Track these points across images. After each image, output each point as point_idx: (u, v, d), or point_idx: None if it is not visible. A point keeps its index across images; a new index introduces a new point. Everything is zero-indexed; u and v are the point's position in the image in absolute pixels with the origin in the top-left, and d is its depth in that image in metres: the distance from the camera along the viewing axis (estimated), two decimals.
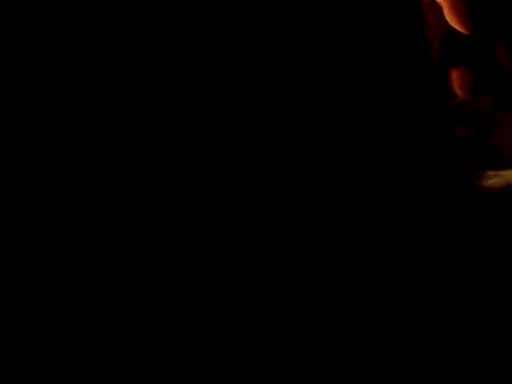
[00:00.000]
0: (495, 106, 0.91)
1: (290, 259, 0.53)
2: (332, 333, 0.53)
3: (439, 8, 0.95)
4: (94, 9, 0.53)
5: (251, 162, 0.52)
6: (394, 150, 0.54)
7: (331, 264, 0.53)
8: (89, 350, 0.53)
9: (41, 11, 0.53)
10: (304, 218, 0.53)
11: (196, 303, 0.54)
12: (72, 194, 0.53)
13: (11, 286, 0.53)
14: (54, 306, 0.54)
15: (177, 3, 0.53)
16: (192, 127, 0.53)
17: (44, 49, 0.53)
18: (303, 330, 0.53)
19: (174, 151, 0.53)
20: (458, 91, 0.93)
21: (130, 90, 0.53)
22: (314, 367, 0.53)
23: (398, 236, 0.54)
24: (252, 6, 0.53)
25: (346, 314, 0.53)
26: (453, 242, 0.56)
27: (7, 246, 0.53)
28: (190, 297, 0.54)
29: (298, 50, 0.53)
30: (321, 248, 0.53)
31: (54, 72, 0.53)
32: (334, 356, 0.53)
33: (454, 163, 0.59)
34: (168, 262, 0.53)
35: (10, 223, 0.53)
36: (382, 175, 0.54)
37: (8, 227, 0.53)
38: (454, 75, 0.95)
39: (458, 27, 0.91)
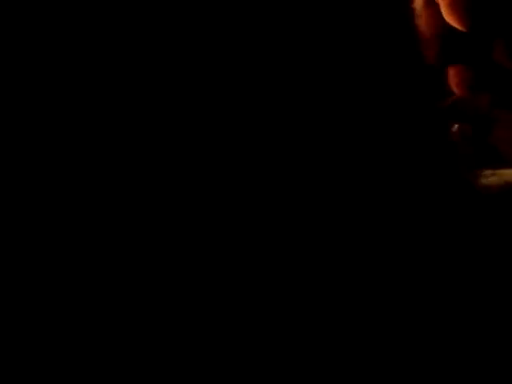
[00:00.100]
0: (493, 103, 0.91)
1: (290, 258, 0.53)
2: (332, 332, 0.53)
3: (436, 5, 0.95)
4: (93, 9, 0.53)
5: (251, 161, 0.52)
6: (390, 148, 0.54)
7: (329, 262, 0.53)
8: (89, 350, 0.53)
9: (41, 11, 0.53)
10: (302, 218, 0.53)
11: (196, 303, 0.54)
12: (72, 193, 0.54)
13: (11, 285, 0.54)
14: (54, 305, 0.54)
15: (177, 3, 0.53)
16: (192, 127, 0.53)
17: (44, 49, 0.53)
18: (303, 329, 0.53)
19: (173, 151, 0.53)
20: (456, 89, 0.93)
21: (130, 90, 0.53)
22: (314, 367, 0.54)
23: (396, 233, 0.54)
24: (248, 9, 0.53)
25: (346, 312, 0.53)
26: (451, 239, 0.57)
27: (7, 246, 0.53)
28: (189, 296, 0.54)
29: (290, 52, 0.53)
30: (318, 246, 0.53)
31: (54, 72, 0.53)
32: (334, 356, 0.54)
33: (450, 162, 0.59)
34: (168, 261, 0.53)
35: (10, 223, 0.53)
36: (380, 174, 0.54)
37: (8, 227, 0.53)
38: (452, 73, 0.95)
39: (455, 25, 0.91)
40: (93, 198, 0.52)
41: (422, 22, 0.95)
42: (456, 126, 0.93)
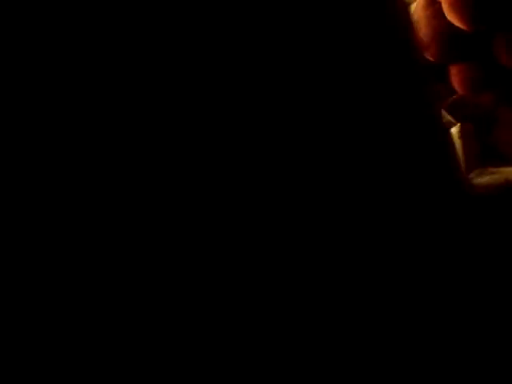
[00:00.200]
0: (495, 102, 0.91)
1: (285, 261, 0.53)
2: (331, 333, 0.53)
3: (439, 4, 0.95)
4: (94, 9, 0.53)
5: (248, 163, 0.52)
6: (386, 150, 0.54)
7: (323, 262, 0.53)
8: (89, 350, 0.53)
9: (41, 11, 0.53)
10: (298, 220, 0.53)
11: (196, 303, 0.54)
12: (72, 193, 0.54)
13: (11, 286, 0.54)
14: (54, 305, 0.54)
15: (177, 3, 0.53)
16: (192, 127, 0.54)
17: (44, 49, 0.53)
18: (303, 329, 0.53)
19: (173, 151, 0.53)
20: (458, 87, 0.93)
21: (130, 90, 0.53)
22: (314, 367, 0.54)
23: (394, 234, 0.54)
24: (248, 9, 0.53)
25: (341, 315, 0.53)
26: (451, 239, 0.56)
27: (7, 246, 0.53)
28: (190, 297, 0.54)
29: (285, 54, 0.53)
30: (315, 249, 0.53)
31: (54, 72, 0.53)
32: (334, 356, 0.54)
33: (448, 161, 0.59)
34: (168, 261, 0.53)
35: (9, 223, 0.54)
36: (377, 175, 0.54)
37: (8, 227, 0.53)
38: (454, 71, 0.95)
39: (457, 23, 0.91)
40: (93, 198, 0.52)
41: (424, 21, 0.95)
42: (458, 124, 0.93)
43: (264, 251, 0.54)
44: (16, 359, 0.54)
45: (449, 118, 0.92)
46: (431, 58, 0.94)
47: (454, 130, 0.91)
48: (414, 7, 0.95)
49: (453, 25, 0.94)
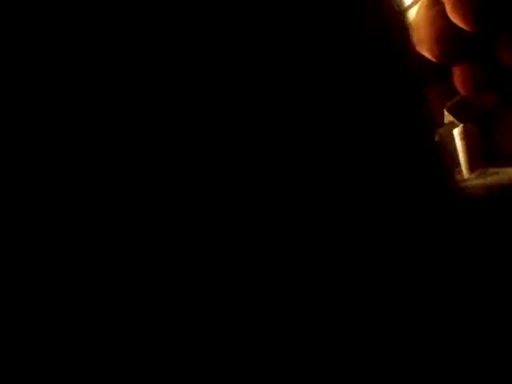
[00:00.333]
0: (497, 103, 0.91)
1: (280, 263, 0.53)
2: (329, 333, 0.53)
3: (442, 5, 0.95)
4: (94, 9, 0.53)
5: (244, 164, 0.53)
6: (376, 152, 0.54)
7: (319, 265, 0.53)
8: (89, 350, 0.54)
9: (41, 11, 0.53)
10: (292, 221, 0.53)
11: (196, 303, 0.54)
12: (72, 194, 0.54)
13: (11, 286, 0.54)
14: (54, 305, 0.54)
15: (177, 3, 0.54)
16: (192, 127, 0.54)
17: (44, 49, 0.53)
18: (303, 330, 0.54)
19: (174, 151, 0.54)
20: (460, 88, 0.93)
21: (130, 90, 0.53)
22: (314, 367, 0.54)
23: (393, 234, 0.54)
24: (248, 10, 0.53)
25: (337, 316, 0.53)
26: (446, 241, 0.57)
27: (7, 246, 0.53)
28: (190, 297, 0.54)
29: (281, 55, 0.53)
30: (308, 251, 0.53)
31: (54, 72, 0.54)
32: (334, 356, 0.54)
33: (439, 164, 0.59)
34: (168, 262, 0.54)
35: (9, 223, 0.54)
36: (369, 178, 0.54)
37: (8, 227, 0.54)
38: (456, 72, 0.95)
39: (460, 24, 0.91)
40: (93, 198, 0.52)
41: (427, 21, 0.95)
42: (461, 125, 0.93)
43: (263, 251, 0.54)
44: (16, 359, 0.54)
45: (451, 118, 0.92)
46: (434, 59, 0.94)
47: (457, 131, 0.91)
48: (417, 8, 0.95)
49: (456, 26, 0.94)
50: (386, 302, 0.53)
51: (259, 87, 0.52)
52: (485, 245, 0.59)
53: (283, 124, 0.52)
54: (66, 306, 0.54)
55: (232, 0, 0.52)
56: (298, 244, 0.53)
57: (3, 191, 0.53)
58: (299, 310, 0.53)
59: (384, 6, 0.56)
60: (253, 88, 0.52)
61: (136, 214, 0.54)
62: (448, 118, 0.94)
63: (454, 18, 0.92)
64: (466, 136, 0.91)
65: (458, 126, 0.92)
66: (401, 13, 0.59)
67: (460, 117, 0.93)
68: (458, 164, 0.90)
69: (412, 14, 0.97)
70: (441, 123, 0.92)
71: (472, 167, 0.85)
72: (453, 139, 0.92)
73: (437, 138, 0.61)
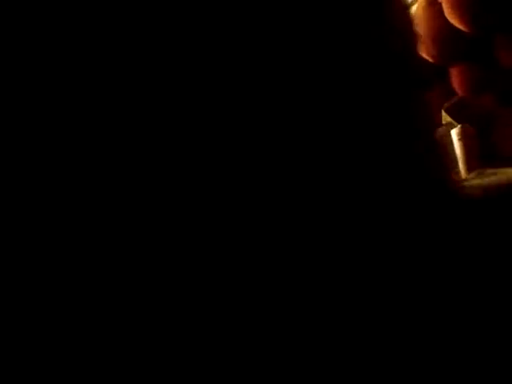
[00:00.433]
0: (495, 103, 0.91)
1: (279, 264, 0.53)
2: (328, 333, 0.53)
3: (439, 6, 0.95)
4: (94, 9, 0.53)
5: (244, 164, 0.53)
6: (375, 151, 0.54)
7: (319, 266, 0.53)
8: (89, 350, 0.54)
9: (41, 11, 0.53)
10: (292, 222, 0.53)
11: (196, 303, 0.54)
12: (72, 193, 0.54)
13: (11, 286, 0.54)
14: (54, 305, 0.54)
15: (177, 3, 0.54)
16: (192, 127, 0.54)
17: (44, 49, 0.53)
18: (303, 329, 0.54)
19: (173, 151, 0.54)
20: (458, 89, 0.93)
21: (129, 89, 0.53)
22: (314, 367, 0.54)
23: (391, 234, 0.54)
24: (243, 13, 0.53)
25: (336, 317, 0.53)
26: (445, 242, 0.57)
27: (7, 246, 0.53)
28: (190, 297, 0.54)
29: (281, 54, 0.53)
30: (308, 251, 0.53)
31: (54, 72, 0.54)
32: (334, 356, 0.54)
33: (438, 164, 0.59)
34: (168, 261, 0.54)
35: (9, 223, 0.54)
36: (367, 179, 0.54)
37: (8, 227, 0.54)
38: (454, 73, 0.95)
39: (458, 25, 0.91)
40: (92, 198, 0.52)
41: (425, 22, 0.95)
42: (459, 125, 0.93)
43: (263, 251, 0.54)
44: (16, 359, 0.54)
45: (449, 119, 0.92)
46: (432, 60, 0.94)
47: (455, 131, 0.91)
48: (415, 8, 0.95)
49: (453, 26, 0.94)
50: (384, 302, 0.53)
51: (261, 87, 0.52)
52: (482, 245, 0.59)
53: (283, 124, 0.52)
54: (65, 305, 0.54)
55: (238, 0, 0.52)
56: (297, 244, 0.53)
57: (3, 191, 0.53)
58: (299, 310, 0.53)
59: (387, 5, 0.56)
60: (254, 87, 0.52)
61: (136, 213, 0.54)
62: (446, 118, 0.95)
63: (452, 19, 0.92)
64: (463, 137, 0.91)
65: (455, 127, 0.92)
66: (404, 11, 0.59)
67: (458, 117, 0.93)
68: (456, 165, 0.90)
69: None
70: (439, 124, 0.92)
71: (470, 168, 0.85)
72: (451, 140, 0.92)
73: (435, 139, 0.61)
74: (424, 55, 0.93)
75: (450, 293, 0.56)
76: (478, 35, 0.94)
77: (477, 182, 0.72)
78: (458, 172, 0.89)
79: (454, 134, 0.91)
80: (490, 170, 0.78)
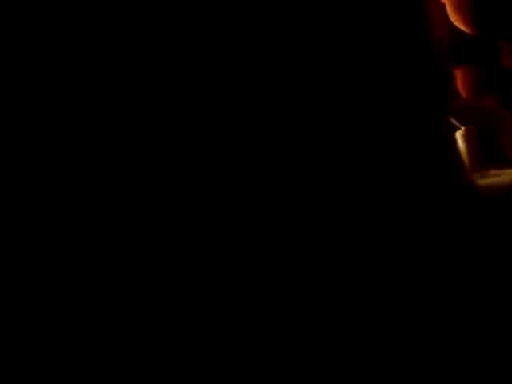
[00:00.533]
0: (499, 105, 0.91)
1: (287, 261, 0.53)
2: (330, 334, 0.53)
3: (443, 7, 0.95)
4: (94, 9, 0.53)
5: (248, 164, 0.53)
6: (392, 149, 0.54)
7: (326, 263, 0.53)
8: (89, 350, 0.53)
9: (41, 11, 0.53)
10: (299, 221, 0.53)
11: (196, 303, 0.54)
12: (72, 193, 0.54)
13: (11, 286, 0.54)
14: (54, 305, 0.54)
15: (177, 3, 0.54)
16: (192, 127, 0.54)
17: (44, 49, 0.53)
18: (303, 329, 0.53)
19: (173, 151, 0.54)
20: (462, 91, 0.92)
21: (129, 89, 0.53)
22: (314, 367, 0.54)
23: (398, 235, 0.54)
24: (252, 6, 0.53)
25: (342, 316, 0.53)
26: (456, 241, 0.56)
27: (7, 246, 0.53)
28: (190, 297, 0.54)
29: (296, 54, 0.53)
30: (316, 247, 0.53)
31: (54, 72, 0.53)
32: (334, 356, 0.53)
33: (453, 163, 0.59)
34: (168, 261, 0.53)
35: (9, 223, 0.54)
36: (380, 175, 0.54)
37: (8, 227, 0.53)
38: (458, 75, 0.95)
39: (461, 27, 0.91)
40: (92, 198, 0.52)
41: (430, 24, 0.94)
42: (462, 127, 0.93)
43: (263, 251, 0.54)
44: (16, 359, 0.54)
45: (453, 121, 0.92)
46: (436, 62, 0.94)
47: (458, 134, 0.91)
48: None
49: (457, 28, 0.94)
50: (395, 300, 0.53)
51: (268, 84, 0.52)
52: (485, 247, 0.59)
53: (295, 120, 0.52)
54: (65, 305, 0.54)
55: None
56: (313, 241, 0.53)
57: (3, 191, 0.53)
58: (303, 309, 0.53)
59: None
60: (261, 84, 0.52)
61: (135, 213, 0.54)
62: (449, 120, 0.94)
63: (455, 21, 0.92)
64: (467, 138, 0.91)
65: (459, 129, 0.92)
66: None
67: (461, 119, 0.93)
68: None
69: None
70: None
71: (474, 169, 0.85)
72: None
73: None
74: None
75: (451, 293, 0.56)
76: (482, 37, 0.94)
77: (480, 183, 0.72)
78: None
79: (458, 135, 0.91)
80: (493, 172, 0.78)
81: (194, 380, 0.54)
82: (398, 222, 0.54)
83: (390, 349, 0.54)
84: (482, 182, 0.73)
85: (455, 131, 0.92)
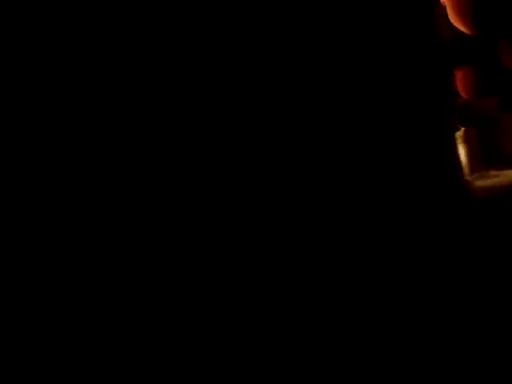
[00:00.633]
0: (499, 106, 0.91)
1: (286, 261, 0.53)
2: (331, 334, 0.53)
3: (443, 8, 0.95)
4: (93, 9, 0.53)
5: (251, 162, 0.53)
6: (394, 149, 0.54)
7: (324, 264, 0.53)
8: (89, 350, 0.53)
9: (41, 11, 0.53)
10: (300, 220, 0.53)
11: (196, 303, 0.54)
12: (72, 193, 0.54)
13: (11, 286, 0.54)
14: (54, 305, 0.54)
15: (177, 3, 0.54)
16: (192, 127, 0.54)
17: (44, 49, 0.53)
18: (303, 329, 0.53)
19: (173, 151, 0.54)
20: (462, 91, 0.92)
21: (130, 90, 0.53)
22: (314, 367, 0.53)
23: (396, 236, 0.54)
24: (254, 5, 0.53)
25: (340, 316, 0.53)
26: (453, 241, 0.56)
27: (7, 246, 0.53)
28: (190, 297, 0.54)
29: (300, 52, 0.53)
30: (316, 250, 0.53)
31: (54, 72, 0.53)
32: (334, 356, 0.53)
33: (454, 163, 0.59)
34: (167, 261, 0.53)
35: (10, 223, 0.54)
36: (381, 175, 0.54)
37: (8, 227, 0.53)
38: (459, 75, 0.95)
39: (461, 28, 0.91)
40: (92, 198, 0.52)
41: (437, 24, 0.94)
42: (462, 128, 0.93)
43: (264, 251, 0.54)
44: (16, 359, 0.54)
45: (451, 121, 0.91)
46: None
47: (458, 134, 0.91)
48: None
49: (457, 29, 0.94)
50: (393, 301, 0.53)
51: (272, 83, 0.52)
52: (484, 248, 0.59)
53: (298, 119, 0.52)
54: (65, 305, 0.54)
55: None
56: (314, 241, 0.53)
57: (3, 191, 0.53)
58: (303, 309, 0.53)
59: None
60: (267, 81, 0.52)
61: (135, 213, 0.54)
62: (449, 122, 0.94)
63: (455, 22, 0.92)
64: (467, 139, 0.91)
65: (459, 130, 0.91)
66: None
67: (461, 120, 0.93)
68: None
69: None
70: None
71: (473, 170, 0.85)
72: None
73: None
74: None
75: (451, 293, 0.55)
76: (482, 37, 0.94)
77: (480, 183, 0.72)
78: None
79: (457, 136, 0.91)
80: (492, 172, 0.78)
81: (194, 380, 0.54)
82: (396, 220, 0.54)
83: (388, 348, 0.54)
84: (482, 182, 0.73)
85: (455, 132, 0.91)
